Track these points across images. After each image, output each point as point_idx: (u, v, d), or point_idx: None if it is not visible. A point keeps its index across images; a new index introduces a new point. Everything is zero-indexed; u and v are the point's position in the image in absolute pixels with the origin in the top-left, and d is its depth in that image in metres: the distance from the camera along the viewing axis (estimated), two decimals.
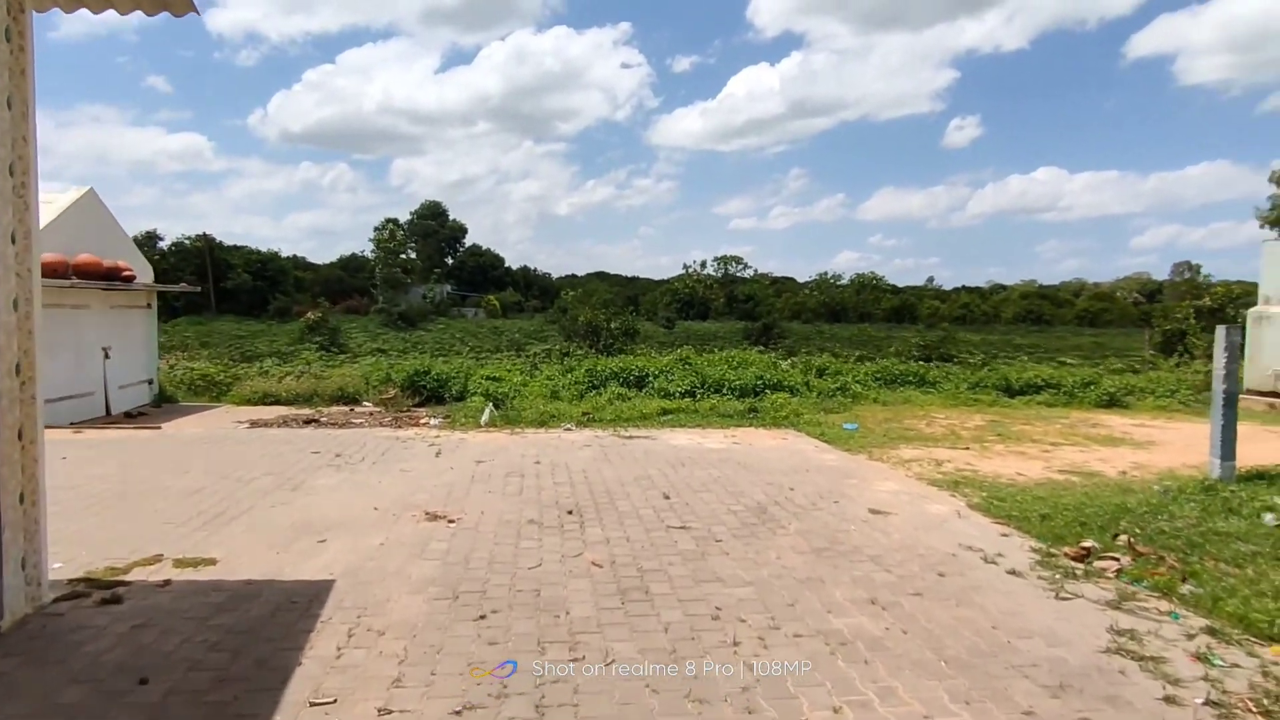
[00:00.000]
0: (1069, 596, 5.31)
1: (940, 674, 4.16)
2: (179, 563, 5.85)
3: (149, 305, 16.92)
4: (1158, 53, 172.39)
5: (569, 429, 12.77)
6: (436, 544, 6.39)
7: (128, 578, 5.53)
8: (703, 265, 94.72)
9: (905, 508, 7.74)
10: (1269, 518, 6.99)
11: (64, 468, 9.18)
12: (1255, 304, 18.11)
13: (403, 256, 74.19)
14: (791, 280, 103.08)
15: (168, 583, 5.43)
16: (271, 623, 4.74)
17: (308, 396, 16.44)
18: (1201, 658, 4.34)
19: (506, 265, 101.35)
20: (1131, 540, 6.35)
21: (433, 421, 13.35)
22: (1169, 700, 3.88)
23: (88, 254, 13.93)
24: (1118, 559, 5.98)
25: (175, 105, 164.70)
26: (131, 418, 14.43)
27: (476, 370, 18.35)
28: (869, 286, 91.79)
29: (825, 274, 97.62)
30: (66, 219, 14.16)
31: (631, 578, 5.63)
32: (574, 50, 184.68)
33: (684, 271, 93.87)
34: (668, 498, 8.04)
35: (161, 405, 16.27)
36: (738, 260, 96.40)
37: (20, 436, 4.78)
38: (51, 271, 12.39)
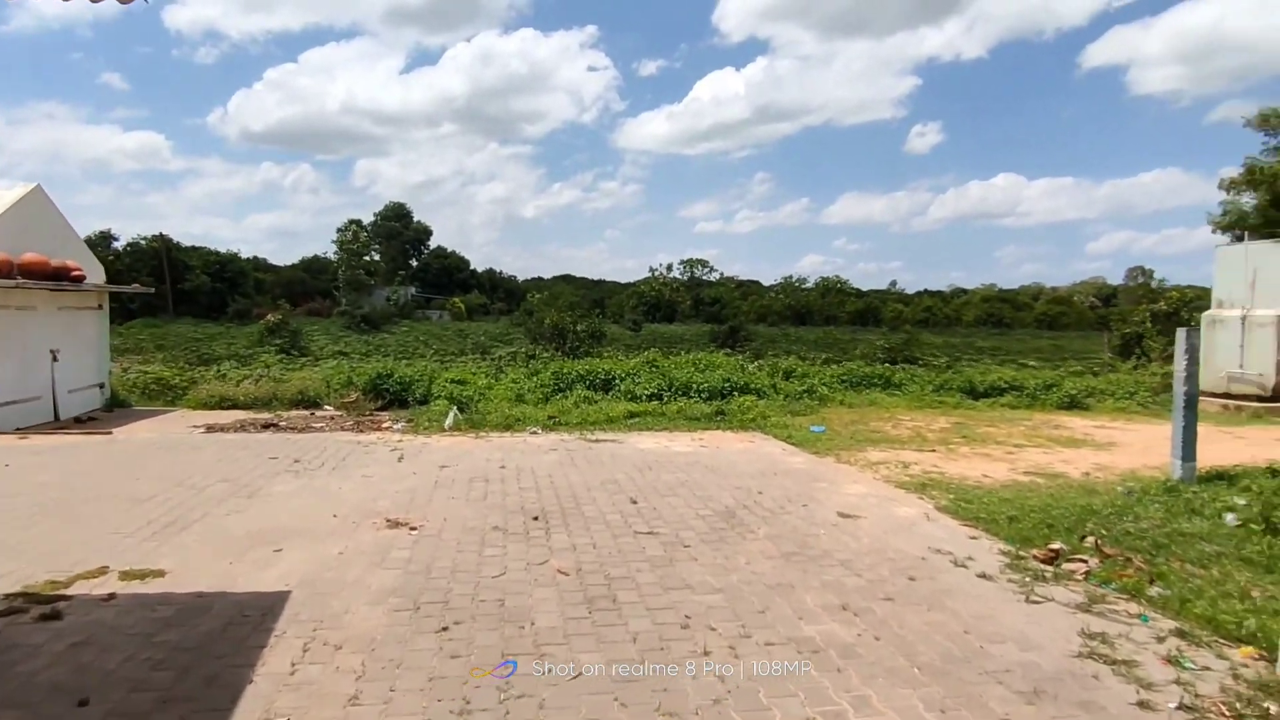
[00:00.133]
0: (1039, 600, 5.28)
1: (914, 681, 4.09)
2: (125, 575, 5.59)
3: (100, 306, 16.38)
4: (1111, 63, 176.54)
5: (535, 433, 12.59)
6: (398, 552, 6.20)
7: (69, 591, 5.27)
8: (669, 268, 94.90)
9: (874, 510, 7.70)
10: (1230, 518, 7.06)
11: (7, 475, 8.81)
12: (1209, 308, 18.52)
13: (366, 258, 73.24)
14: (757, 283, 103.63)
15: (112, 596, 5.18)
16: (222, 637, 4.53)
17: (266, 400, 16.02)
18: (1173, 661, 4.33)
19: (472, 268, 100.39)
20: (1099, 542, 6.36)
21: (395, 426, 13.09)
22: (1143, 705, 3.84)
23: (34, 253, 13.43)
24: (1086, 561, 5.98)
25: (132, 103, 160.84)
26: (81, 423, 13.94)
27: (441, 373, 18.04)
28: (834, 290, 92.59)
29: (790, 277, 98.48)
30: (11, 217, 13.64)
31: (599, 585, 5.50)
32: (540, 52, 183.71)
33: (650, 274, 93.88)
34: (635, 502, 7.92)
35: (114, 410, 15.76)
36: (704, 263, 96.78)
37: None
38: None
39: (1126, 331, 29.91)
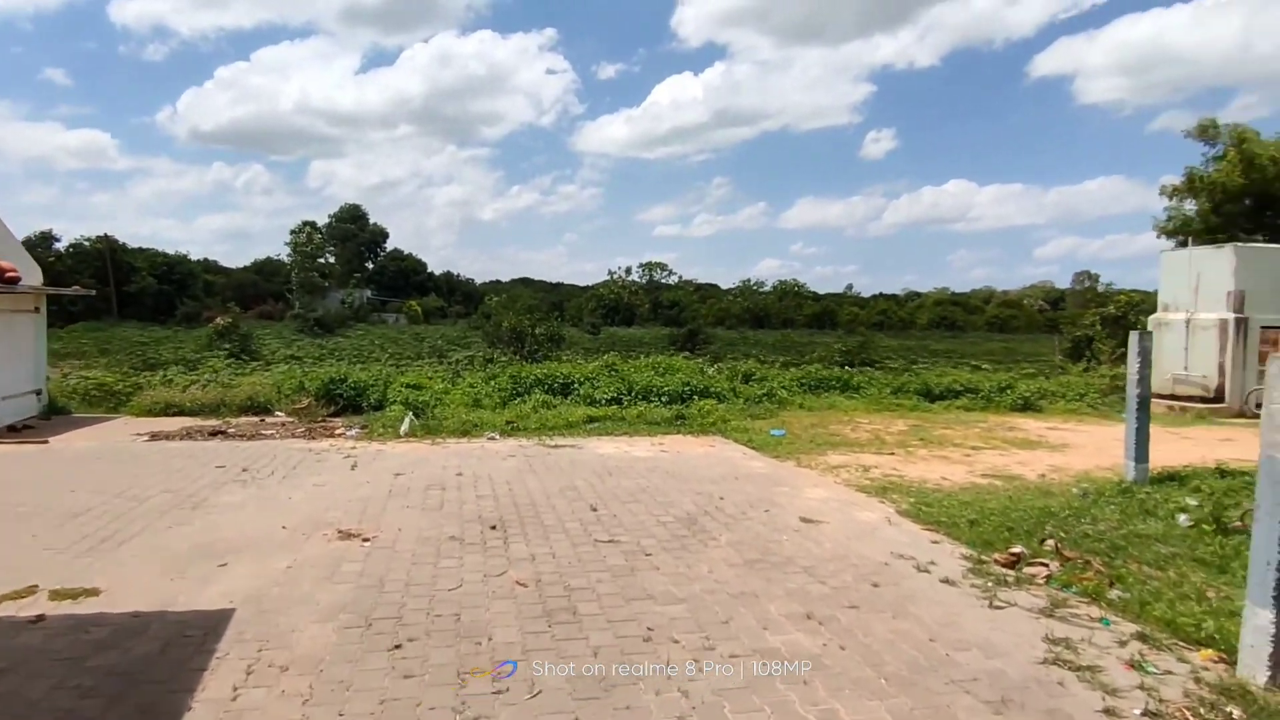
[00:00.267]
0: (1003, 605, 5.26)
1: (881, 693, 4.02)
2: (56, 594, 5.29)
3: (37, 309, 15.73)
4: (1058, 73, 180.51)
5: (492, 438, 12.37)
6: (349, 565, 5.98)
7: None
8: (628, 271, 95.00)
9: (835, 515, 7.67)
10: (1183, 519, 7.16)
11: None
12: (1155, 311, 18.98)
13: (320, 260, 71.89)
14: (715, 287, 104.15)
15: (41, 618, 4.89)
16: (160, 661, 4.28)
17: (214, 406, 15.51)
18: (1136, 665, 4.32)
19: (429, 270, 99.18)
20: (1059, 545, 6.39)
21: (349, 432, 12.76)
22: (1109, 713, 3.82)
23: None
24: (1046, 564, 5.99)
25: (76, 100, 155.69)
26: (16, 431, 13.34)
27: (396, 378, 17.67)
28: (791, 293, 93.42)
29: (748, 281, 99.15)
30: None
31: (558, 597, 5.35)
32: (499, 54, 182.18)
33: (609, 278, 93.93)
34: (595, 510, 7.78)
35: (51, 418, 15.12)
36: (662, 267, 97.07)
37: None
38: None
39: (1076, 334, 30.58)
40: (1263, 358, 16.52)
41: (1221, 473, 9.05)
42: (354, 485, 8.79)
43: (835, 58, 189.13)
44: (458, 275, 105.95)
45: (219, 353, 34.56)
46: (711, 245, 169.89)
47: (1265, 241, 22.56)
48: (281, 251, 76.93)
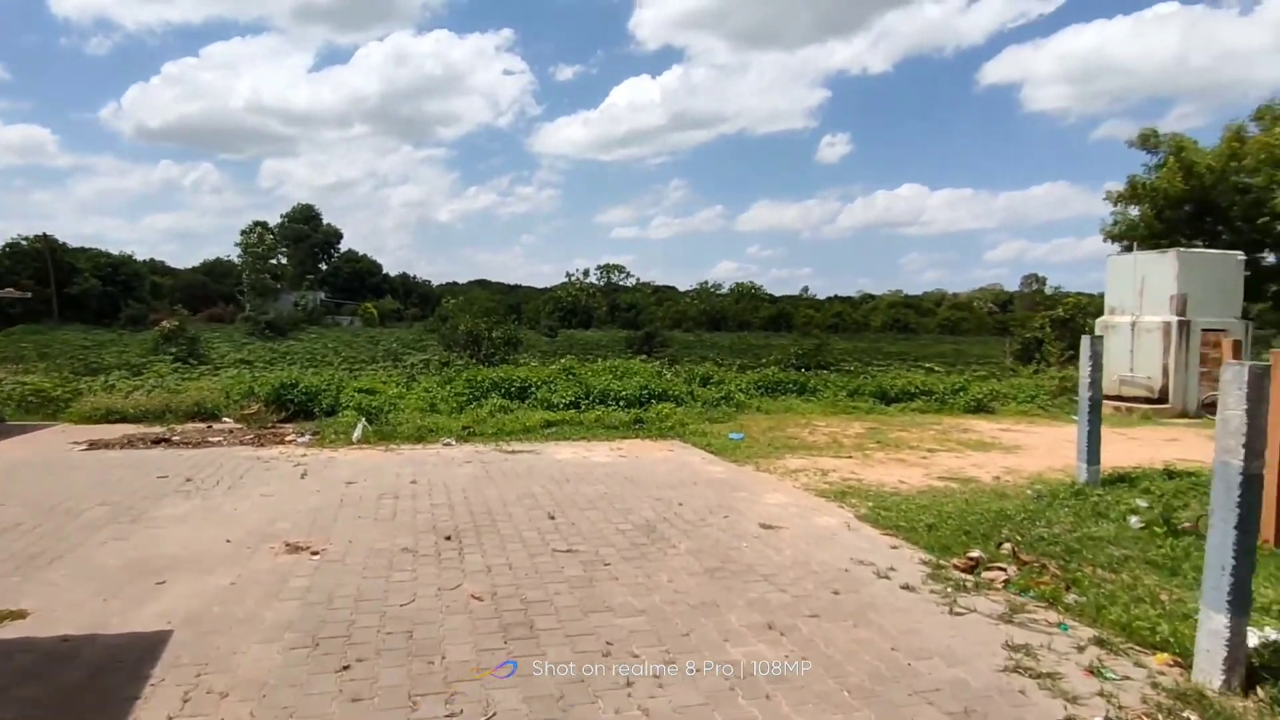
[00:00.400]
0: (963, 611, 5.25)
1: (844, 706, 3.95)
2: None
3: None
4: (1006, 80, 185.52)
5: (448, 444, 12.14)
6: (297, 580, 5.76)
7: None
8: (585, 274, 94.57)
9: (795, 521, 7.63)
10: (1134, 520, 7.26)
11: None
12: (1102, 314, 19.42)
13: (272, 262, 70.24)
14: (673, 289, 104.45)
15: None
16: (89, 689, 4.04)
17: (159, 413, 14.98)
18: (1094, 671, 4.32)
19: (385, 272, 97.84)
20: (1015, 548, 6.43)
21: (300, 439, 12.42)
22: None
23: None
24: (1004, 569, 6.01)
25: (13, 94, 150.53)
26: None
27: (349, 382, 17.29)
28: (747, 296, 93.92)
29: (705, 283, 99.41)
30: None
31: (514, 611, 5.21)
32: (455, 54, 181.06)
33: (566, 280, 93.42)
34: (553, 518, 7.64)
35: None
36: (620, 269, 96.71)
37: None
38: None
39: (1026, 336, 31.21)
40: (1204, 359, 17.02)
41: (1170, 474, 9.22)
42: (304, 495, 8.52)
43: (791, 62, 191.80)
44: (414, 277, 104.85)
45: (165, 357, 33.57)
46: (669, 247, 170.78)
47: (1205, 246, 23.26)
48: (232, 252, 75.06)
